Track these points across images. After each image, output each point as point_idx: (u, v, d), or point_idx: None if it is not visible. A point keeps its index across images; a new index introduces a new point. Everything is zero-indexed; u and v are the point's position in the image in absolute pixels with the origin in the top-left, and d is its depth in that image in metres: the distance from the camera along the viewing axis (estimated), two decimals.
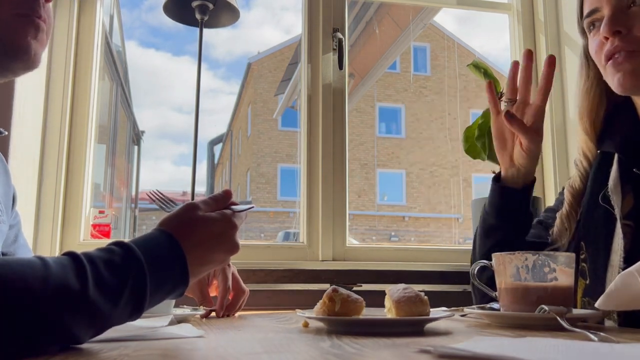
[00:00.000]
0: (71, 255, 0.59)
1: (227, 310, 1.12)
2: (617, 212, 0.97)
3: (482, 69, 1.51)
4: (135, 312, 0.62)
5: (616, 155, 1.04)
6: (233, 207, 0.77)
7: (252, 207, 0.80)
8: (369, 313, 0.84)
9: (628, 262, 0.93)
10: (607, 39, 0.97)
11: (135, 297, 0.60)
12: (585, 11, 1.03)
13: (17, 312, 0.52)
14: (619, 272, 0.93)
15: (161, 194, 1.02)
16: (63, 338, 0.56)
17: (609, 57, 0.98)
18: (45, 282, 0.54)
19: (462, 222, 11.02)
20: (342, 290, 0.81)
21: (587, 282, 1.02)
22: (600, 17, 1.00)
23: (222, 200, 0.77)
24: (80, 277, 0.56)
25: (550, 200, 1.79)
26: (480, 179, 12.08)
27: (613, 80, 0.99)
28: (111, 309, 0.58)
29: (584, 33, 1.09)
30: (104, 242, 1.62)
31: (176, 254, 0.66)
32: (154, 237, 0.67)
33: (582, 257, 1.03)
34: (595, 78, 1.08)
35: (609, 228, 0.98)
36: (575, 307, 1.02)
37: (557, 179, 1.78)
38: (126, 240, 0.65)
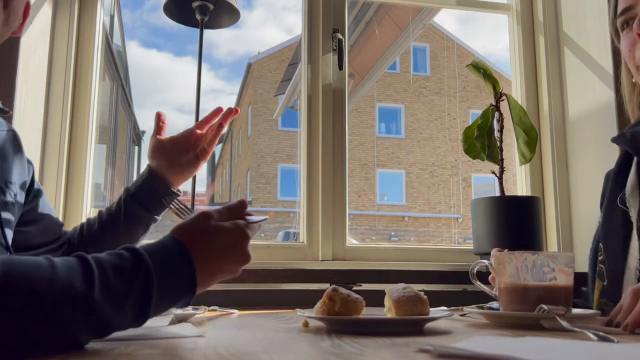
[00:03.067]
0: (80, 257, 0.59)
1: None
2: (634, 215, 0.97)
3: (482, 70, 1.51)
4: (139, 319, 0.62)
5: (635, 158, 1.03)
6: (247, 217, 0.77)
7: (266, 218, 0.80)
8: (368, 313, 0.84)
9: None
10: (639, 36, 0.96)
11: (141, 304, 0.60)
12: (620, 9, 1.02)
13: (21, 312, 0.52)
14: (635, 275, 0.93)
15: (179, 201, 1.05)
16: (64, 339, 0.56)
17: None
18: (52, 282, 0.54)
19: (461, 222, 11.02)
20: (342, 289, 0.81)
21: (605, 283, 1.01)
22: (633, 15, 0.98)
23: (237, 211, 0.76)
24: (86, 280, 0.56)
25: (549, 201, 1.79)
26: (479, 179, 12.09)
27: None
28: (115, 313, 0.58)
29: (616, 36, 1.08)
30: None
31: (185, 264, 0.66)
32: (164, 245, 0.67)
33: (600, 258, 1.03)
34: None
35: (626, 230, 0.98)
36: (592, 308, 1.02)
37: (556, 180, 1.78)
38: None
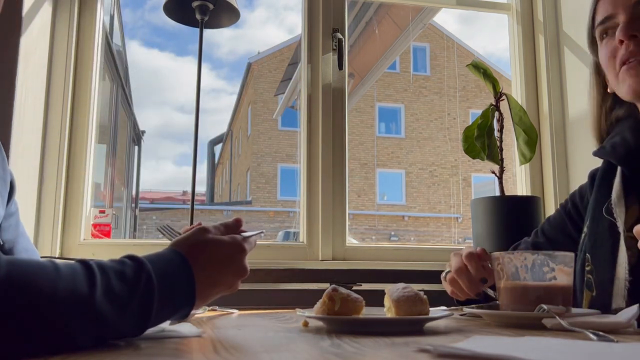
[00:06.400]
0: (83, 262, 0.60)
1: None
2: (621, 225, 0.96)
3: (482, 69, 1.51)
4: (140, 325, 0.62)
5: (619, 168, 1.03)
6: (243, 234, 0.78)
7: (262, 232, 0.81)
8: (368, 312, 0.84)
9: (633, 275, 0.92)
10: (621, 43, 0.95)
11: (142, 309, 0.61)
12: (599, 18, 1.01)
13: (24, 313, 0.52)
14: (625, 285, 0.93)
15: (171, 228, 1.05)
16: (65, 340, 0.56)
17: (624, 62, 0.96)
18: (55, 283, 0.55)
19: (461, 222, 11.03)
20: (342, 289, 0.81)
21: (594, 294, 1.00)
22: (614, 25, 0.98)
23: (233, 228, 0.78)
24: (89, 283, 0.57)
25: (549, 200, 1.79)
26: (479, 178, 12.09)
27: (624, 85, 0.97)
28: (116, 318, 0.58)
29: (592, 47, 1.08)
30: (104, 242, 1.62)
31: (185, 272, 0.67)
32: (165, 255, 0.68)
33: (587, 268, 1.02)
34: (606, 92, 1.08)
35: (614, 240, 0.97)
36: None
37: (556, 180, 1.78)
38: (135, 244, 0.65)
